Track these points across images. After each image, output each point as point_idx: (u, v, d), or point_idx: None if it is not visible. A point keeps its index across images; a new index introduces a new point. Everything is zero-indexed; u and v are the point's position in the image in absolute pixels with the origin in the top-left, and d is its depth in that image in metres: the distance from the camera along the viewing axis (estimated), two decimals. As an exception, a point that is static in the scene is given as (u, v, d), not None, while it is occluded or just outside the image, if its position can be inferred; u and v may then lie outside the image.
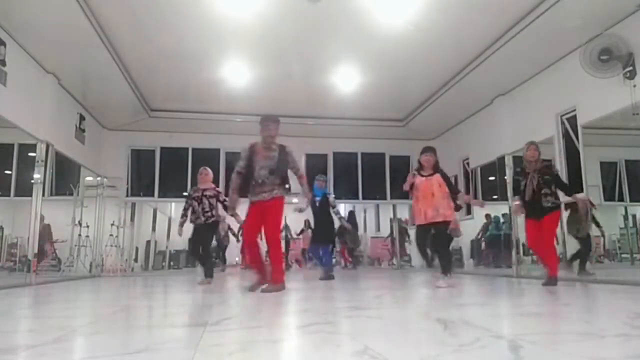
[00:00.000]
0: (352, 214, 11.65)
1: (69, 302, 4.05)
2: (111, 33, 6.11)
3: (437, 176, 4.92)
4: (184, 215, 6.04)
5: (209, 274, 5.76)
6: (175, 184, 9.83)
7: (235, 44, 6.57)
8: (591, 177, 6.41)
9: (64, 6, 5.26)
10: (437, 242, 4.98)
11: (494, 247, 9.63)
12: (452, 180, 5.34)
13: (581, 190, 6.16)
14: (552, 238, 5.11)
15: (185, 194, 9.99)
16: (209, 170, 6.33)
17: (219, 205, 5.95)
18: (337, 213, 6.96)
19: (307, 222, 11.22)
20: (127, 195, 9.73)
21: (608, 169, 7.73)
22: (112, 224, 9.34)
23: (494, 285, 4.81)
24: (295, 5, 5.48)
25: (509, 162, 7.57)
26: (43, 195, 6.55)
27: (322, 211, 6.46)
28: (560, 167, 6.56)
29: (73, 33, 5.84)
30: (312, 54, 6.90)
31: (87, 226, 9.09)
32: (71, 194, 8.61)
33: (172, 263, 12.33)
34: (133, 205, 10.16)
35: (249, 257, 4.83)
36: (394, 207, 11.21)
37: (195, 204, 5.91)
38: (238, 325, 2.31)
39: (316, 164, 10.26)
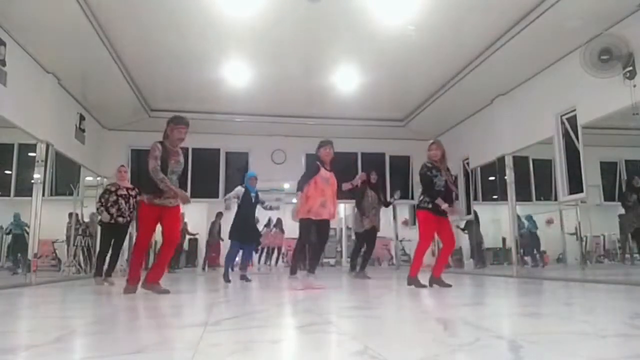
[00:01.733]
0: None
1: (69, 302, 4.05)
2: (111, 33, 6.11)
3: (332, 173, 4.97)
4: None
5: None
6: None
7: (235, 44, 6.57)
8: (591, 177, 6.41)
9: (64, 6, 5.26)
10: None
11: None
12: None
13: (581, 190, 6.17)
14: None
15: (185, 193, 10.03)
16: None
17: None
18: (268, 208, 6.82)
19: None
20: (127, 195, 9.71)
21: (608, 169, 7.74)
22: (112, 224, 9.31)
23: (494, 285, 4.81)
24: (296, 5, 5.48)
25: (509, 162, 7.57)
26: (43, 195, 6.55)
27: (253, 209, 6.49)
28: (560, 167, 6.56)
29: (73, 33, 5.84)
30: (312, 54, 6.90)
31: (87, 226, 9.09)
32: (71, 194, 8.60)
33: (172, 263, 12.31)
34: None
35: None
36: (394, 207, 11.20)
37: (122, 201, 5.86)
38: (238, 325, 2.31)
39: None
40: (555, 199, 6.89)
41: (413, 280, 4.58)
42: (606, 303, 3.42)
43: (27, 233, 8.93)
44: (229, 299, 4.04)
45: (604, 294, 4.09)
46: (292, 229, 9.17)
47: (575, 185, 6.27)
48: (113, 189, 5.94)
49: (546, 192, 8.02)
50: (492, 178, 8.69)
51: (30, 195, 6.39)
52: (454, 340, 1.79)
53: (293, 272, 5.23)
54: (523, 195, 8.31)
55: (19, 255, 8.85)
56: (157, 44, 6.48)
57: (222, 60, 7.08)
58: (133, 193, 5.97)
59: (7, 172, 8.81)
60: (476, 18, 5.75)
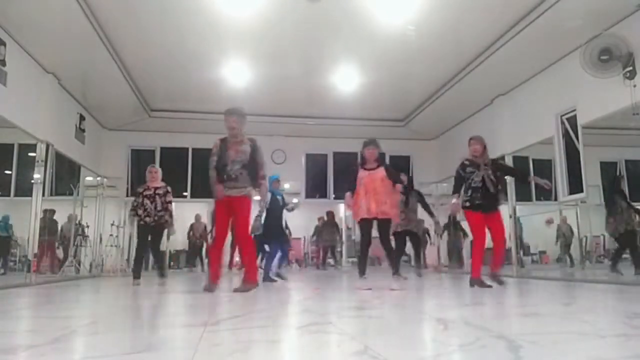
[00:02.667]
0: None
1: (69, 302, 4.05)
2: (111, 33, 6.11)
3: (382, 170, 4.88)
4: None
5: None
6: (175, 184, 9.82)
7: (235, 43, 6.57)
8: (591, 177, 6.41)
9: (64, 6, 5.27)
10: (381, 239, 4.91)
11: None
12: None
13: (581, 190, 6.17)
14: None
15: (185, 193, 10.03)
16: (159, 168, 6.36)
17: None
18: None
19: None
20: (127, 195, 9.72)
21: (608, 169, 7.74)
22: (112, 224, 9.33)
23: (494, 285, 4.79)
24: (295, 5, 5.48)
25: (509, 162, 7.57)
26: (43, 195, 6.55)
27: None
28: (560, 167, 6.56)
29: (73, 33, 5.84)
30: (312, 54, 6.90)
31: (87, 226, 9.10)
32: (71, 194, 8.61)
33: (172, 263, 12.31)
34: (133, 205, 10.15)
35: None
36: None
37: (147, 201, 5.89)
38: (238, 325, 2.31)
39: (316, 164, 10.27)
40: (555, 199, 6.89)
41: (475, 281, 4.49)
42: (606, 303, 3.42)
43: (11, 236, 8.96)
44: (229, 299, 4.04)
45: (604, 294, 4.09)
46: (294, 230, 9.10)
47: (575, 185, 6.28)
48: (140, 190, 6.02)
49: (546, 192, 8.02)
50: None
51: (30, 195, 6.39)
52: (454, 340, 1.79)
53: (362, 272, 5.09)
54: (523, 195, 8.31)
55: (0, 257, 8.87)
56: (157, 44, 6.48)
57: (222, 60, 7.08)
58: (160, 192, 5.98)
59: (7, 172, 8.82)
60: (476, 18, 5.75)
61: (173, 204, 6.18)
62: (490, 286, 4.44)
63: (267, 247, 6.31)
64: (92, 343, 1.89)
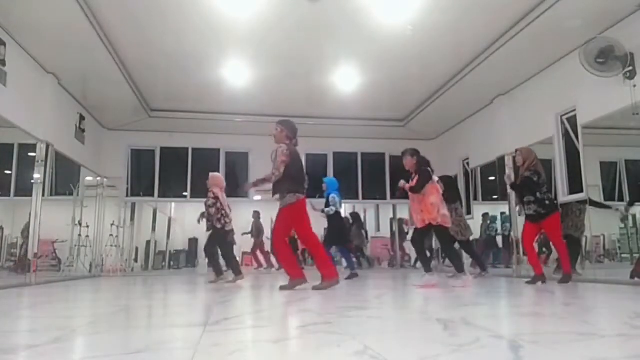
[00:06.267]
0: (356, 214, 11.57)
1: (69, 302, 4.05)
2: (111, 33, 6.11)
3: (417, 178, 4.94)
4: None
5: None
6: (175, 184, 9.83)
7: (235, 44, 6.57)
8: (591, 177, 6.41)
9: (64, 6, 5.26)
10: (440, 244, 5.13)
11: (489, 247, 9.63)
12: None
13: (581, 190, 6.17)
14: (555, 240, 5.31)
15: (185, 194, 10.02)
16: (213, 174, 6.64)
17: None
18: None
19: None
20: (127, 195, 9.73)
21: (608, 169, 7.72)
22: (112, 224, 9.34)
23: (494, 286, 4.80)
24: (295, 5, 5.48)
25: (509, 162, 7.57)
26: (43, 195, 6.55)
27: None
28: (560, 167, 6.56)
29: (73, 33, 5.84)
30: (312, 54, 6.90)
31: (87, 226, 9.09)
32: (71, 194, 8.61)
33: (172, 263, 12.32)
34: (133, 205, 10.16)
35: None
36: (394, 207, 11.20)
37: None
38: (238, 325, 2.31)
39: (316, 164, 10.27)
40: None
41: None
42: (606, 303, 3.42)
43: None
44: (229, 299, 4.04)
45: (604, 294, 4.09)
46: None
47: (575, 185, 6.28)
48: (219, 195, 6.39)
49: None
50: (492, 178, 8.69)
51: (30, 195, 6.39)
52: (454, 340, 1.79)
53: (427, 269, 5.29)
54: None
55: None
56: (157, 44, 6.48)
57: (222, 60, 7.08)
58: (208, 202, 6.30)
59: (7, 172, 8.81)
60: (476, 18, 5.75)
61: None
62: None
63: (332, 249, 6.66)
64: (92, 343, 1.89)
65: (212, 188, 6.26)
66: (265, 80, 7.82)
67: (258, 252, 11.26)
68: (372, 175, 10.61)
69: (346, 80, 7.79)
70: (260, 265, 11.14)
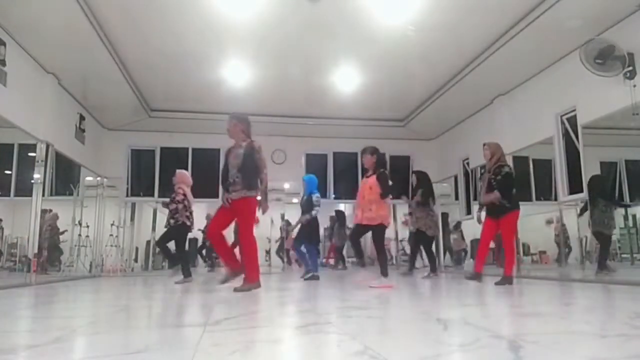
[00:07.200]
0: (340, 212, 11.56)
1: (69, 302, 4.05)
2: (111, 33, 6.11)
3: (373, 178, 4.89)
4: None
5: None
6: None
7: (235, 44, 6.57)
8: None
9: (64, 6, 5.26)
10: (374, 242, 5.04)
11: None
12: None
13: (581, 190, 6.17)
14: (508, 239, 5.05)
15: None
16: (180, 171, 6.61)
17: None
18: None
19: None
20: (127, 195, 9.72)
21: (608, 169, 7.72)
22: (112, 224, 9.33)
23: (494, 285, 4.80)
24: (295, 5, 5.48)
25: (509, 162, 7.56)
26: (43, 195, 6.55)
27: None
28: (560, 167, 6.56)
29: (73, 33, 5.84)
30: (312, 54, 6.90)
31: (87, 226, 9.09)
32: (71, 194, 8.61)
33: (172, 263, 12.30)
34: (133, 205, 10.15)
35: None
36: (394, 207, 11.20)
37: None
38: (238, 325, 2.31)
39: (316, 164, 10.27)
40: (555, 199, 6.89)
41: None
42: (606, 303, 3.42)
43: None
44: (229, 298, 4.05)
45: (604, 294, 4.09)
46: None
47: (575, 185, 6.27)
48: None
49: (546, 192, 8.02)
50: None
51: (30, 195, 6.39)
52: (454, 340, 1.79)
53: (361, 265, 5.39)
54: (523, 195, 8.30)
55: None
56: (157, 44, 6.48)
57: (222, 60, 7.08)
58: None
59: (7, 172, 8.81)
60: (476, 18, 5.75)
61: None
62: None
63: (303, 248, 6.54)
64: (92, 343, 1.89)
65: (180, 185, 6.25)
66: (265, 80, 7.82)
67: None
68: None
69: (346, 80, 7.79)
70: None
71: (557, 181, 6.62)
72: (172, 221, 6.09)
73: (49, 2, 5.24)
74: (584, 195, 6.16)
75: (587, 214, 6.34)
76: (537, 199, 8.84)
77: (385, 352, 1.52)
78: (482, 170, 5.18)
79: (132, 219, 10.12)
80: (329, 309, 3.02)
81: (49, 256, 8.64)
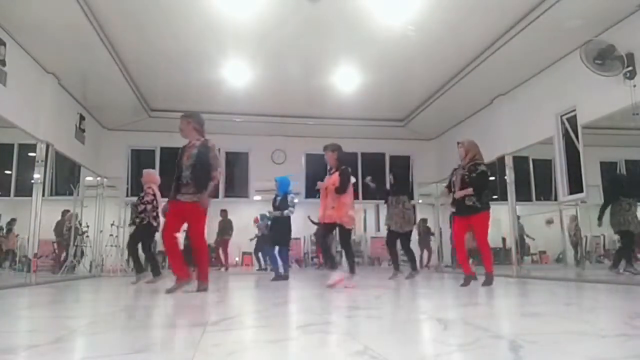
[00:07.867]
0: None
1: (69, 302, 4.05)
2: (111, 33, 6.11)
3: (335, 175, 4.86)
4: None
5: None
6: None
7: (235, 44, 6.57)
8: (591, 177, 6.41)
9: (64, 6, 5.27)
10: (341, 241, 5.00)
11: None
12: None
13: (581, 190, 6.17)
14: (482, 239, 4.86)
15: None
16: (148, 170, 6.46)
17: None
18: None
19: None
20: (127, 195, 9.72)
21: (608, 169, 7.72)
22: (112, 224, 9.33)
23: (494, 286, 4.80)
24: (295, 6, 5.49)
25: (509, 162, 7.58)
26: (43, 195, 6.55)
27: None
28: (560, 167, 6.56)
29: (73, 33, 5.84)
30: (312, 54, 6.90)
31: (87, 226, 9.09)
32: (71, 194, 8.61)
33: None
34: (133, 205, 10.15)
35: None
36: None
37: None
38: (238, 325, 2.31)
39: (316, 164, 10.27)
40: (555, 199, 6.90)
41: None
42: (606, 303, 3.42)
43: None
44: (229, 298, 4.05)
45: (604, 294, 4.09)
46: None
47: (575, 185, 6.27)
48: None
49: (546, 192, 8.03)
50: (492, 178, 8.68)
51: (30, 195, 6.38)
52: (454, 340, 1.79)
53: (332, 267, 5.19)
54: (523, 195, 8.31)
55: None
56: (157, 44, 6.48)
57: (222, 60, 7.08)
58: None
59: (7, 172, 8.81)
60: (476, 18, 5.75)
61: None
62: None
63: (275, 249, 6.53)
64: (92, 343, 1.89)
65: (149, 184, 6.12)
66: (265, 80, 7.82)
67: (220, 251, 10.99)
68: (372, 175, 10.58)
69: (346, 80, 7.79)
70: (224, 263, 10.84)
71: (557, 181, 6.61)
72: (137, 220, 6.04)
73: (49, 2, 5.24)
74: (584, 195, 6.16)
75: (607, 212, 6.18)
76: (537, 199, 8.85)
77: (385, 352, 1.52)
78: (455, 167, 4.98)
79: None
80: (329, 309, 3.02)
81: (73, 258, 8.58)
